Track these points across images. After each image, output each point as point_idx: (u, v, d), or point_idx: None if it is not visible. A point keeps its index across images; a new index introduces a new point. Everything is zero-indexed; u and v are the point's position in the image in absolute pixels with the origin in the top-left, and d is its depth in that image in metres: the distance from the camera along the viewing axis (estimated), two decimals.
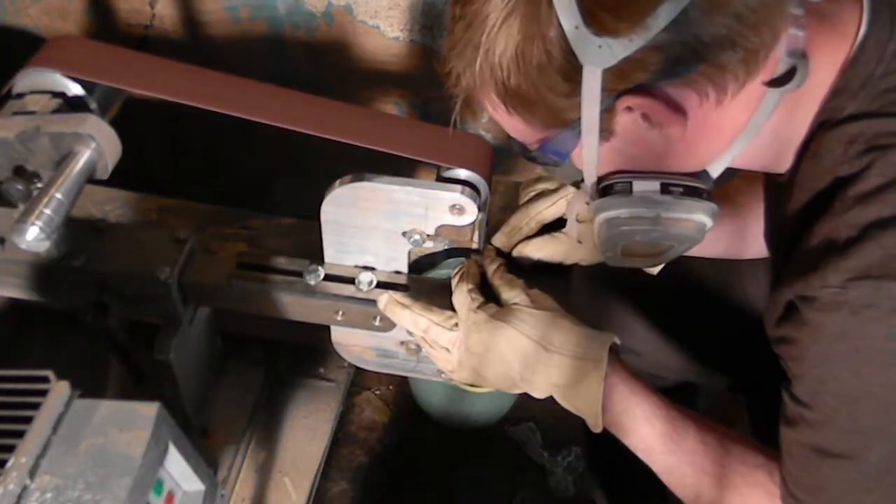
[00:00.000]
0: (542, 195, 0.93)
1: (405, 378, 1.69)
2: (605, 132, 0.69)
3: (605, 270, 1.24)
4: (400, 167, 0.81)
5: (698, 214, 0.74)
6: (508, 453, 1.66)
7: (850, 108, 0.67)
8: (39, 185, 0.78)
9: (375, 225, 0.80)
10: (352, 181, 0.77)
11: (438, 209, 0.77)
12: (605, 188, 0.75)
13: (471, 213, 0.77)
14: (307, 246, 0.89)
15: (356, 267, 0.85)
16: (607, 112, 0.67)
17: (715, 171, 0.75)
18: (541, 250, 0.91)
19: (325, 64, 1.66)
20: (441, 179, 0.79)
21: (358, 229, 0.81)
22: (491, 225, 0.91)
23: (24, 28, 1.76)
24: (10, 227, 0.73)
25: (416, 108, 1.72)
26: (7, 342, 1.09)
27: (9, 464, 0.61)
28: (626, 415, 0.77)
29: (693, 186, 0.73)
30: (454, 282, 0.82)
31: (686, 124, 0.67)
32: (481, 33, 0.65)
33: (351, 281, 0.84)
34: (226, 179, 1.90)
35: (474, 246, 0.85)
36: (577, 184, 0.81)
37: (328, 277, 0.85)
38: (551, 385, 0.77)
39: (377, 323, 0.85)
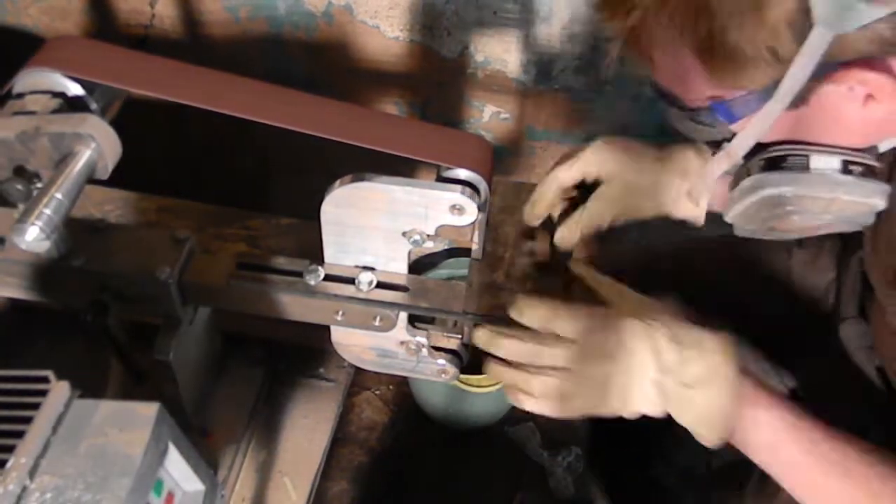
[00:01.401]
0: (559, 162, 0.87)
1: (405, 378, 1.69)
2: (799, 100, 0.61)
3: (604, 270, 1.24)
4: (400, 167, 0.81)
5: (875, 198, 0.66)
6: (508, 453, 1.66)
7: None
8: (39, 185, 0.78)
9: (375, 225, 0.80)
10: (352, 181, 0.77)
11: (438, 209, 0.77)
12: (773, 159, 0.67)
13: (471, 213, 0.77)
14: (307, 246, 0.89)
15: (356, 267, 0.85)
16: (814, 80, 0.59)
17: (885, 146, 0.68)
18: (575, 232, 0.84)
19: (325, 64, 1.66)
20: (441, 179, 0.79)
21: (358, 229, 0.81)
22: (491, 225, 0.91)
23: (24, 28, 1.76)
24: (10, 227, 0.73)
25: (416, 108, 1.72)
26: (7, 342, 1.09)
27: (9, 464, 0.61)
28: (782, 448, 0.70)
29: (871, 165, 0.66)
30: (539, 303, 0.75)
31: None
32: None
33: (351, 281, 0.84)
34: (226, 179, 1.90)
35: (474, 246, 0.85)
36: (717, 144, 0.72)
37: (328, 277, 0.85)
38: (681, 385, 0.70)
39: (377, 323, 0.85)
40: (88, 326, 0.84)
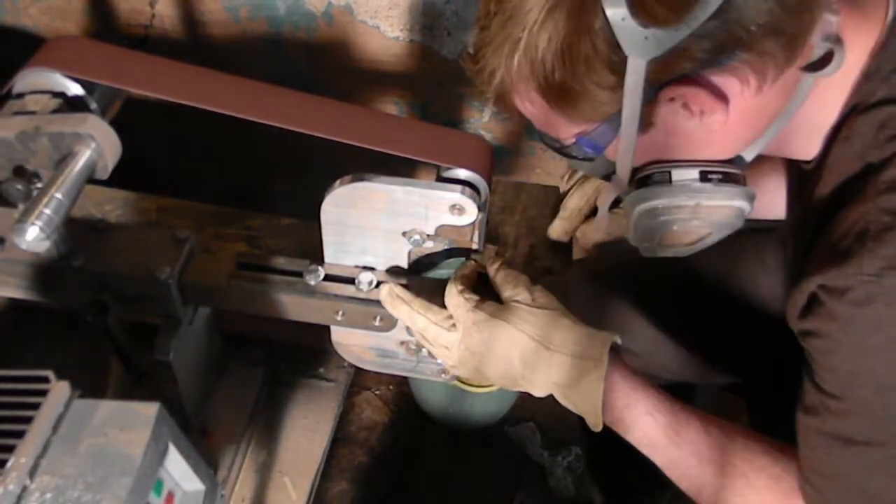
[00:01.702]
0: (589, 177, 0.93)
1: (405, 378, 1.69)
2: (645, 123, 0.69)
3: (604, 270, 1.24)
4: (400, 167, 0.81)
5: (738, 200, 0.74)
6: (508, 453, 1.66)
7: (881, 92, 0.68)
8: (39, 185, 0.78)
9: (375, 225, 0.80)
10: (352, 181, 0.77)
11: (438, 209, 0.77)
12: (643, 179, 0.76)
13: (471, 213, 0.77)
14: (307, 246, 0.89)
15: (356, 267, 0.85)
16: (649, 103, 0.67)
17: (749, 156, 0.75)
18: (601, 229, 0.91)
19: (325, 64, 1.66)
20: (441, 179, 0.79)
21: (358, 229, 0.81)
22: (491, 225, 0.91)
23: (24, 28, 1.76)
24: (10, 227, 0.73)
25: (416, 108, 1.72)
26: (7, 342, 1.09)
27: (9, 464, 0.61)
28: (628, 410, 0.77)
29: (731, 173, 0.74)
30: (448, 284, 0.81)
31: (727, 112, 0.67)
32: (522, 28, 0.65)
33: (351, 281, 0.84)
34: (226, 179, 1.90)
35: (474, 246, 0.85)
36: (608, 177, 0.81)
37: (328, 277, 0.85)
38: (551, 384, 0.77)
39: (377, 323, 0.85)
40: (88, 326, 0.84)
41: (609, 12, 0.60)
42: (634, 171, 0.76)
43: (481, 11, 0.69)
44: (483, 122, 1.71)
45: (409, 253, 0.83)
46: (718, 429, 0.77)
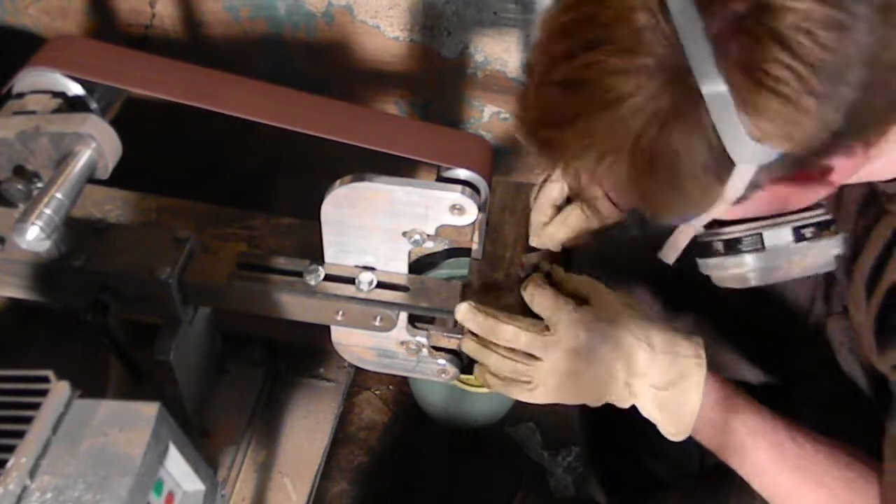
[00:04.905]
0: (542, 186, 0.91)
1: (405, 378, 1.69)
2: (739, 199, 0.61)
3: (604, 260, 1.24)
4: (400, 167, 0.81)
5: (831, 250, 0.70)
6: (508, 453, 1.66)
7: None
8: (39, 185, 0.78)
9: (375, 225, 0.80)
10: (352, 181, 0.77)
11: (438, 209, 0.77)
12: (730, 242, 0.71)
13: (471, 214, 0.77)
14: (307, 246, 0.89)
15: (356, 267, 0.85)
16: (758, 185, 0.59)
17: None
18: (560, 230, 0.88)
19: (325, 64, 1.66)
20: (441, 179, 0.79)
21: (358, 229, 0.81)
22: (491, 225, 0.91)
23: (24, 28, 1.76)
24: (10, 227, 0.73)
25: (416, 108, 1.72)
26: (7, 342, 1.09)
27: (9, 464, 0.61)
28: (732, 431, 0.72)
29: (822, 222, 0.69)
30: (529, 289, 0.78)
31: (833, 183, 0.61)
32: (625, 135, 0.55)
33: (351, 281, 0.84)
34: (226, 179, 1.90)
35: (474, 246, 0.85)
36: (643, 226, 0.77)
37: (328, 277, 0.85)
38: (649, 387, 0.73)
39: (377, 323, 0.85)
40: (88, 326, 0.84)
41: (720, 129, 0.53)
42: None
43: (537, 56, 0.60)
44: (483, 122, 1.71)
45: (410, 253, 0.83)
46: (826, 447, 0.72)
